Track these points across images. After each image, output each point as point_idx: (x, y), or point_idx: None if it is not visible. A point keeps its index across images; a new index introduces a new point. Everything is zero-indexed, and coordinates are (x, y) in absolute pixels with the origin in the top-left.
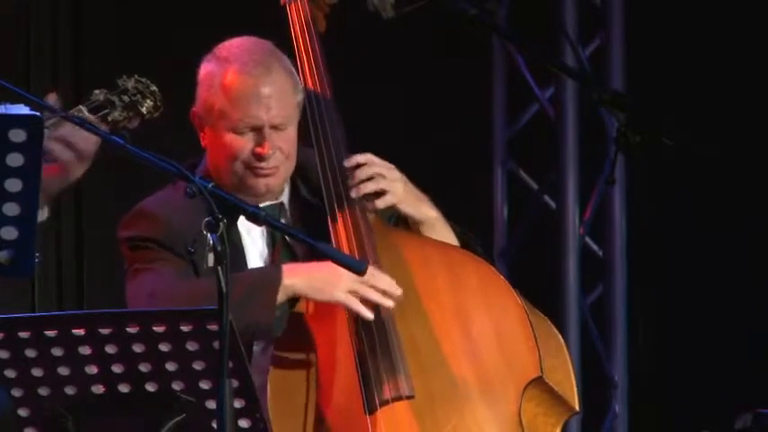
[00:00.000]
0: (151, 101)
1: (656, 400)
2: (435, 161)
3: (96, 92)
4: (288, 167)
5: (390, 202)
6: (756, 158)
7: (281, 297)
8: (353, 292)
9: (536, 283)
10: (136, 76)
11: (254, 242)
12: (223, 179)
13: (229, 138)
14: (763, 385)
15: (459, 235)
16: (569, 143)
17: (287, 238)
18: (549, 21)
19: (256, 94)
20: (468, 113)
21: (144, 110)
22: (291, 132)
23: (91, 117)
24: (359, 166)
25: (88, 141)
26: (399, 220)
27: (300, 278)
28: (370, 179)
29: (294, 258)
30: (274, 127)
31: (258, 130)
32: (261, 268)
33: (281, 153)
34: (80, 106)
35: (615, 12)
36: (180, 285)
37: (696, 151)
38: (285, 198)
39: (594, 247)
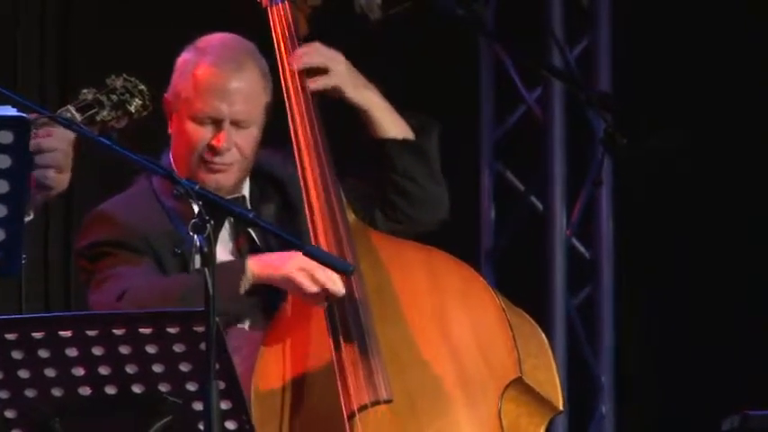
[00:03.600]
0: (140, 100)
1: (643, 402)
2: None
3: (84, 91)
4: (243, 168)
5: (330, 83)
6: (745, 159)
7: (244, 285)
8: (304, 270)
9: (523, 285)
10: (124, 76)
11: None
12: (178, 169)
13: (189, 126)
14: (750, 386)
15: (413, 124)
16: (556, 144)
17: (250, 231)
18: (537, 22)
19: (223, 87)
20: (456, 114)
21: (132, 109)
22: (253, 132)
23: (78, 117)
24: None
25: (60, 154)
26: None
27: (255, 262)
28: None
29: (256, 250)
30: (236, 123)
31: (218, 123)
32: (221, 262)
33: (238, 151)
34: (68, 106)
35: (602, 13)
36: (151, 283)
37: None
38: (246, 192)
39: (581, 248)
